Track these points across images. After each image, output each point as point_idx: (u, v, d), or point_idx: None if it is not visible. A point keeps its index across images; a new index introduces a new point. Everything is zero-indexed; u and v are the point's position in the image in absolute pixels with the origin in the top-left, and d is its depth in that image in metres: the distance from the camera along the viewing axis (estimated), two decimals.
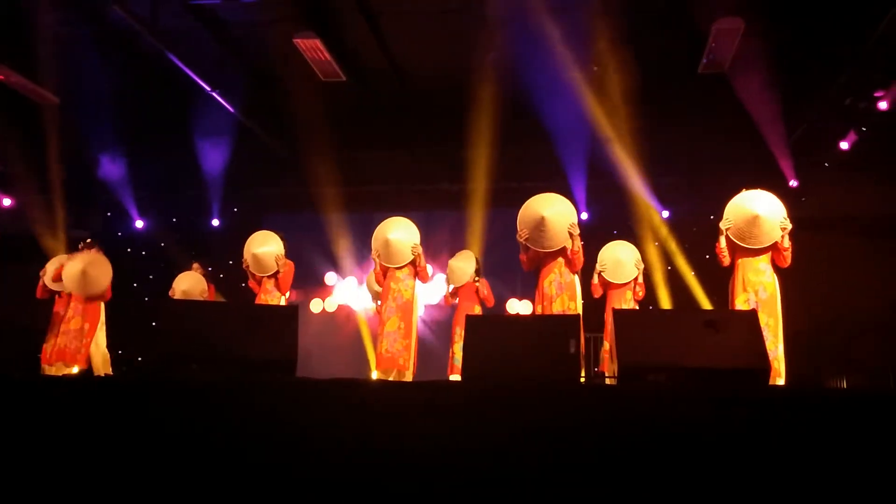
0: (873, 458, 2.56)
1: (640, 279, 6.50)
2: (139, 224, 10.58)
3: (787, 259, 5.13)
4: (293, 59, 7.65)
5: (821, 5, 6.68)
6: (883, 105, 7.02)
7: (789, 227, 5.11)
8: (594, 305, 6.57)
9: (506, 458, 2.64)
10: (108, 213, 10.57)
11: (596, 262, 6.59)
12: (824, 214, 8.21)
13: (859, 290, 7.76)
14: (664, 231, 8.99)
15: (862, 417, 2.77)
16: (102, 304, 7.09)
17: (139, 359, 7.59)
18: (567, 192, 8.85)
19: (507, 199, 8.86)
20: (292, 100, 8.89)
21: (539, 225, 5.31)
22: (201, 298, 7.56)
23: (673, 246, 8.96)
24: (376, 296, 7.32)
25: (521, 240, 5.43)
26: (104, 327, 7.08)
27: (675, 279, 8.97)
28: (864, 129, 7.52)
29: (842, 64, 7.37)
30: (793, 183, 8.73)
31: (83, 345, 6.85)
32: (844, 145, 8.03)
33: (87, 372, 6.88)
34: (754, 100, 7.97)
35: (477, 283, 7.21)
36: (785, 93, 7.96)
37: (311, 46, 7.33)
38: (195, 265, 8.08)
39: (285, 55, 7.64)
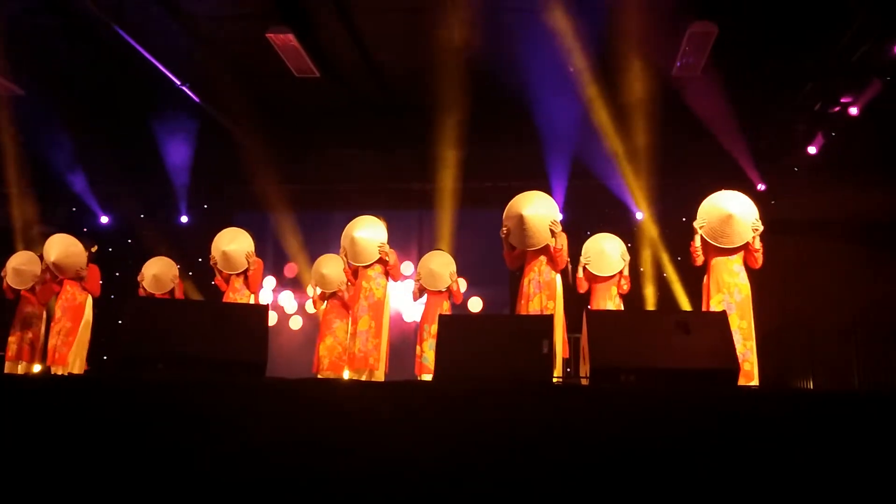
0: (839, 456, 2.59)
1: (626, 272, 6.34)
2: (104, 220, 10.39)
3: (758, 260, 5.19)
4: (266, 54, 7.56)
5: (790, 12, 6.78)
6: (853, 110, 7.13)
7: (761, 228, 5.16)
8: (577, 306, 6.53)
9: (477, 458, 2.62)
10: (74, 209, 10.35)
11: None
12: (792, 217, 8.33)
13: (825, 292, 7.89)
14: (652, 231, 9.03)
15: (828, 417, 2.81)
16: (89, 302, 6.93)
17: (104, 358, 7.46)
18: (546, 192, 8.95)
19: (484, 198, 8.89)
20: (265, 95, 8.82)
21: (520, 223, 5.30)
22: (172, 285, 7.32)
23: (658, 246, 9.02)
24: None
25: (504, 237, 5.42)
26: (89, 326, 6.89)
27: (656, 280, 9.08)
28: (833, 133, 7.64)
29: (811, 70, 7.49)
30: (760, 187, 8.85)
31: (66, 343, 6.67)
32: (812, 150, 8.15)
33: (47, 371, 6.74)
34: (723, 104, 8.05)
35: (450, 282, 7.14)
36: (755, 97, 8.08)
37: (285, 41, 7.25)
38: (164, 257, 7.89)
39: (258, 50, 7.54)
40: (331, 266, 7.13)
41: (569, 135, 8.58)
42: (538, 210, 5.33)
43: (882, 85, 6.71)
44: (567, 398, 3.09)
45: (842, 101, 7.38)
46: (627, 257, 6.38)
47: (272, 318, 10.27)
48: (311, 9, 7.16)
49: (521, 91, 8.03)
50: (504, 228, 5.41)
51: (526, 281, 5.40)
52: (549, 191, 8.90)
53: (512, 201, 5.44)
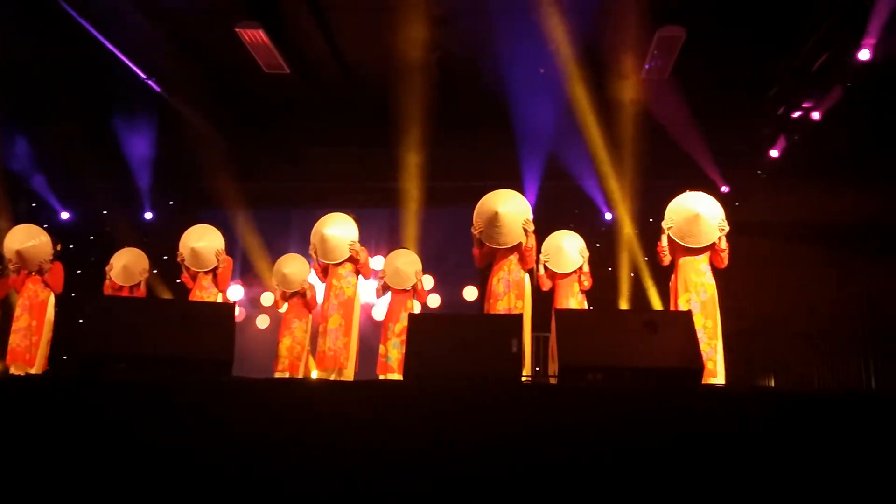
0: (801, 453, 2.65)
1: (586, 268, 6.37)
2: (65, 215, 10.17)
3: (723, 260, 5.27)
4: (235, 50, 7.47)
5: (754, 18, 6.90)
6: (815, 115, 7.28)
7: (727, 228, 5.24)
8: (539, 305, 6.57)
9: (446, 457, 2.62)
10: (34, 204, 10.12)
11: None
12: (755, 220, 8.47)
13: (787, 293, 8.04)
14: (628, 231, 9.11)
15: (789, 416, 2.86)
16: (52, 300, 6.74)
17: (64, 357, 7.27)
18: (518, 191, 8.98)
19: (455, 197, 8.88)
20: (233, 91, 8.72)
21: (493, 220, 5.29)
22: (141, 278, 7.09)
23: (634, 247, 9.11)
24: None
25: (476, 234, 5.40)
26: (51, 325, 6.67)
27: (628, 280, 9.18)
28: (796, 138, 7.79)
29: (775, 75, 7.64)
30: (724, 189, 9.00)
31: (33, 343, 6.47)
32: (774, 153, 8.30)
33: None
34: (689, 107, 8.17)
35: (415, 280, 7.10)
36: (720, 101, 8.20)
37: (254, 36, 7.17)
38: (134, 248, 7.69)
39: (227, 44, 7.45)
40: (293, 265, 7.07)
41: (542, 135, 8.63)
42: (512, 208, 5.34)
43: (843, 91, 6.86)
44: (535, 397, 3.11)
45: (804, 106, 7.53)
46: (586, 253, 6.41)
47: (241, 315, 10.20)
48: (282, 4, 7.09)
49: (495, 91, 8.06)
50: (476, 225, 5.39)
51: (495, 280, 5.38)
52: (521, 191, 8.96)
53: (484, 198, 5.42)
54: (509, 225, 5.29)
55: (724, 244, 5.24)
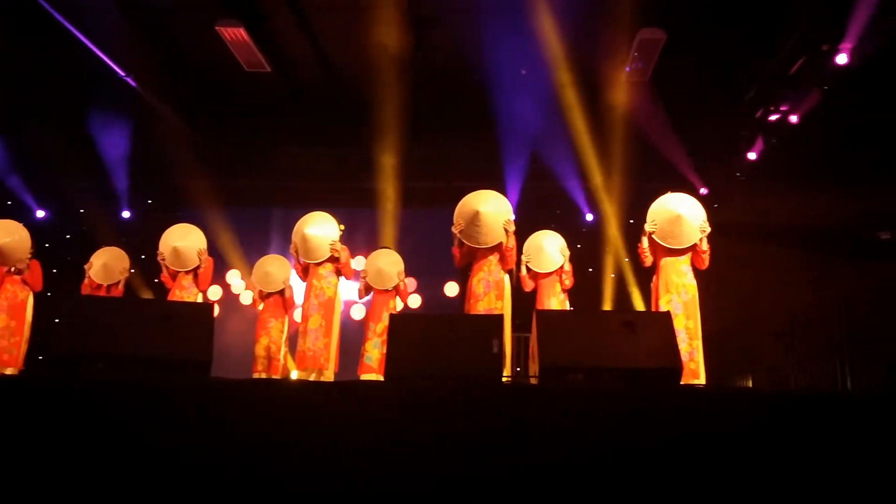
0: (779, 452, 2.67)
1: (567, 267, 6.39)
2: (40, 214, 10.04)
3: (705, 261, 5.31)
4: (216, 48, 7.41)
5: (734, 21, 6.96)
6: (793, 119, 7.36)
7: (708, 229, 5.28)
8: (525, 306, 6.58)
9: (428, 457, 2.62)
10: (9, 202, 9.96)
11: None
12: (733, 221, 8.55)
13: (764, 294, 8.12)
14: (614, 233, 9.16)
15: (766, 415, 2.89)
16: (31, 300, 6.62)
17: (40, 358, 7.18)
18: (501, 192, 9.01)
19: (437, 197, 8.88)
20: (213, 89, 8.65)
21: (474, 219, 5.30)
22: (121, 277, 6.96)
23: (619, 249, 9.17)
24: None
25: (457, 233, 5.40)
26: (29, 325, 6.53)
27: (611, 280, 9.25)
28: (773, 140, 7.87)
29: (754, 78, 7.71)
30: (703, 191, 9.07)
31: (12, 344, 6.31)
32: (752, 156, 8.37)
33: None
34: (669, 109, 8.23)
35: (397, 281, 7.07)
36: (699, 104, 8.27)
37: (235, 35, 7.12)
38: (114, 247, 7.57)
39: (207, 42, 7.40)
40: (275, 265, 7.03)
41: (525, 136, 8.65)
42: (494, 208, 5.35)
43: (821, 95, 6.94)
44: (516, 397, 3.12)
45: (782, 109, 7.61)
46: (567, 253, 6.43)
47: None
48: (262, 3, 7.05)
49: (478, 91, 8.07)
50: (456, 224, 5.39)
51: (475, 280, 5.39)
52: (503, 191, 8.98)
53: (466, 198, 5.44)
54: (490, 224, 5.30)
55: (705, 245, 5.28)
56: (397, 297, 6.84)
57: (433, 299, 9.79)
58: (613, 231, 9.15)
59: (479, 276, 5.37)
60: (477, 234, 5.33)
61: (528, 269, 6.44)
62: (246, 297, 10.02)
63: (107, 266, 6.95)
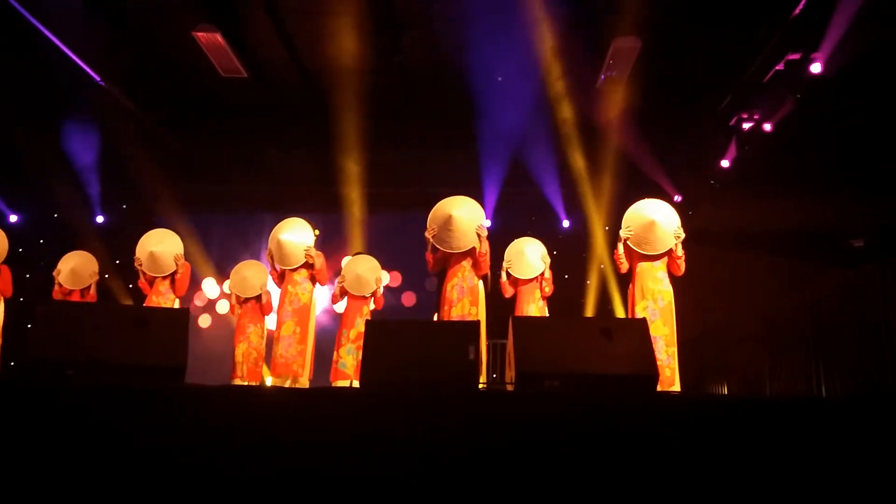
0: (750, 458, 2.70)
1: (548, 274, 6.37)
2: (13, 218, 9.89)
3: (680, 267, 5.34)
4: (192, 53, 7.37)
5: (707, 30, 7.05)
6: (767, 127, 7.46)
7: (683, 235, 5.33)
8: (499, 311, 6.58)
9: (403, 464, 2.61)
10: None
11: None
12: (708, 228, 8.63)
13: (739, 301, 8.20)
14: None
15: (741, 421, 2.92)
16: (0, 305, 6.49)
17: (11, 364, 7.05)
18: (479, 199, 9.04)
19: (415, 202, 8.88)
20: (190, 94, 8.59)
21: (447, 224, 5.31)
22: (91, 281, 6.82)
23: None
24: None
25: (430, 237, 5.40)
26: None
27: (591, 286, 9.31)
28: (747, 148, 7.97)
29: (728, 86, 7.81)
30: (677, 198, 9.17)
31: None
32: (726, 163, 8.47)
33: None
34: (643, 117, 8.31)
35: (375, 287, 7.03)
36: (673, 111, 8.36)
37: (211, 40, 7.08)
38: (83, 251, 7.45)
39: (183, 47, 7.35)
40: (252, 270, 6.99)
41: (503, 141, 8.69)
42: (466, 213, 5.37)
43: (794, 103, 7.04)
44: (492, 403, 3.12)
45: (755, 117, 7.71)
46: (548, 260, 6.43)
47: (207, 321, 10.00)
48: (239, 8, 7.02)
49: (457, 97, 8.10)
50: (429, 229, 5.40)
51: (449, 286, 5.38)
52: (481, 196, 9.02)
53: (439, 204, 5.46)
54: (462, 229, 5.32)
55: (680, 251, 5.33)
56: (371, 302, 6.82)
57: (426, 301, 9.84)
58: (598, 238, 9.21)
59: (452, 283, 5.36)
60: (450, 238, 5.35)
61: (509, 275, 6.44)
62: (222, 307, 9.93)
63: (75, 271, 6.82)
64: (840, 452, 2.72)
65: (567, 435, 2.78)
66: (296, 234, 6.07)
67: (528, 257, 6.41)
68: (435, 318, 7.24)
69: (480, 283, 5.42)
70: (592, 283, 9.41)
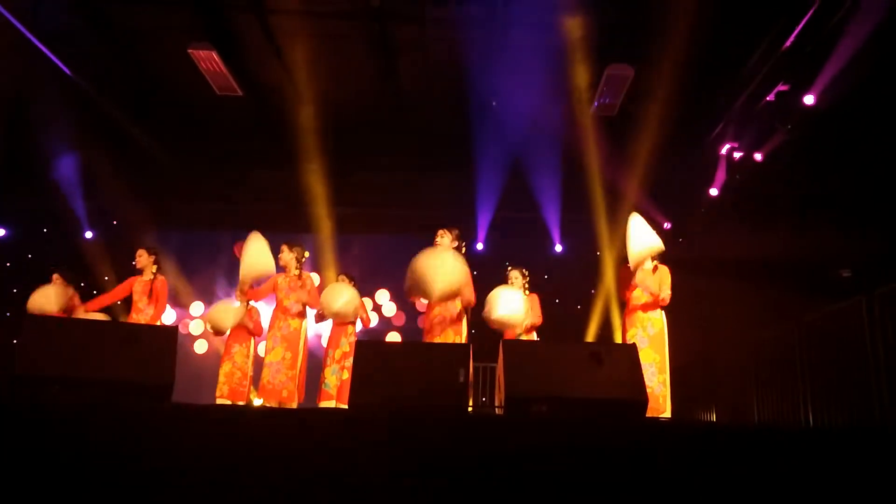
0: (739, 486, 2.69)
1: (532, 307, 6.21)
2: (0, 232, 9.84)
3: (655, 296, 5.28)
4: (187, 70, 7.39)
5: (701, 58, 7.14)
6: (757, 156, 7.53)
7: (649, 264, 5.32)
8: (487, 334, 6.55)
9: (391, 487, 2.59)
10: None
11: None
12: (696, 256, 8.68)
13: (726, 329, 8.23)
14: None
15: (730, 449, 2.92)
16: None
17: None
18: (472, 222, 9.07)
19: (407, 225, 8.90)
20: (184, 111, 8.60)
21: (429, 295, 4.99)
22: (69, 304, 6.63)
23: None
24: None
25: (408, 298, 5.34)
26: None
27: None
28: (738, 176, 8.04)
29: (719, 114, 7.90)
30: (666, 225, 9.22)
31: None
32: (714, 192, 8.53)
33: None
34: (633, 143, 8.38)
35: (355, 316, 6.95)
36: (663, 138, 8.44)
37: (207, 58, 7.11)
38: (55, 276, 7.38)
39: (179, 65, 7.38)
40: (220, 313, 6.81)
41: (497, 166, 8.73)
42: (447, 283, 4.97)
43: (786, 133, 7.12)
44: (481, 427, 3.10)
45: (746, 146, 7.79)
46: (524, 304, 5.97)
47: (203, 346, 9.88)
48: (235, 27, 7.07)
49: (450, 119, 8.16)
50: (407, 292, 5.11)
51: (432, 315, 5.32)
52: (474, 221, 9.06)
53: (419, 272, 4.96)
54: (450, 293, 5.03)
55: (650, 281, 5.26)
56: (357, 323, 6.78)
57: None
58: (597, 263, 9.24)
59: (435, 312, 5.28)
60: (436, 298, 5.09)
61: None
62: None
63: (44, 307, 6.53)
64: (827, 482, 2.72)
65: (555, 460, 2.77)
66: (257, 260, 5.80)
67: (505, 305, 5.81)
68: None
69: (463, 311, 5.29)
70: (597, 310, 9.38)
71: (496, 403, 6.05)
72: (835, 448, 2.91)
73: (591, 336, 9.12)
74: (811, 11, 5.93)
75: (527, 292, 6.23)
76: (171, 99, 8.52)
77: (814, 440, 3.04)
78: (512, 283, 6.17)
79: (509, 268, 6.40)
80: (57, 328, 3.91)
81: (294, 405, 5.84)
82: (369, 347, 3.95)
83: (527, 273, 6.35)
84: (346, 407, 6.34)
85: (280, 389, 5.73)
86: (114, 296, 6.45)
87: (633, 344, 4.82)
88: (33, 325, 3.77)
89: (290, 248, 6.22)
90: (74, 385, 3.42)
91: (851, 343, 5.25)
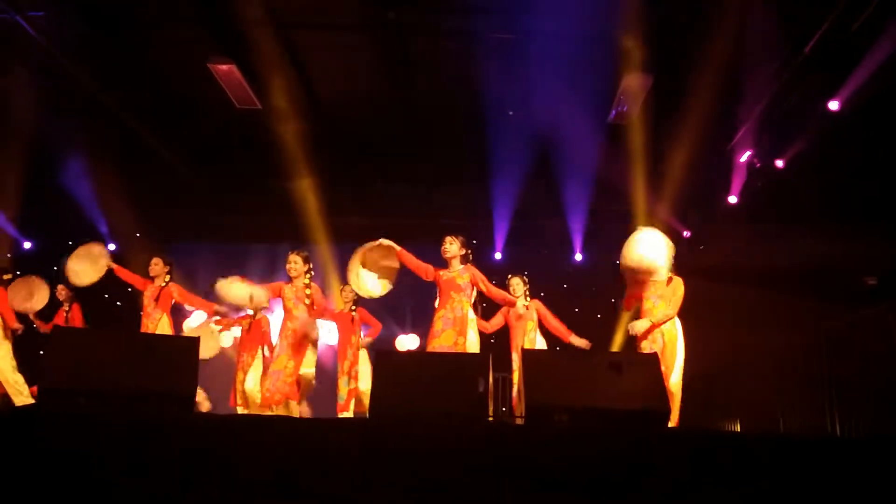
0: (764, 497, 2.66)
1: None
2: (27, 245, 9.99)
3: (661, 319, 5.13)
4: (207, 84, 7.47)
5: (719, 64, 7.09)
6: (779, 163, 7.47)
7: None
8: (498, 343, 6.54)
9: (412, 496, 2.59)
10: None
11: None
12: (717, 264, 8.59)
13: (749, 337, 8.12)
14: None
15: (755, 459, 2.88)
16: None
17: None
18: (489, 231, 9.05)
19: (423, 235, 8.90)
20: (204, 125, 8.69)
21: None
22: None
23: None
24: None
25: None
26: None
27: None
28: (759, 184, 7.97)
29: (740, 121, 7.84)
30: (685, 233, 9.15)
31: None
32: (733, 199, 8.45)
33: None
34: (652, 150, 8.34)
35: (353, 314, 6.98)
36: (683, 145, 8.38)
37: (227, 72, 7.19)
38: (60, 287, 7.48)
39: (199, 79, 7.46)
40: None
41: (514, 174, 8.72)
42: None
43: (808, 140, 7.05)
44: (502, 437, 3.09)
45: (768, 152, 7.72)
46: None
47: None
48: (253, 40, 7.14)
49: (470, 130, 8.17)
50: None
51: (436, 317, 5.29)
52: (491, 228, 9.06)
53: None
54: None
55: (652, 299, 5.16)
56: (359, 330, 6.93)
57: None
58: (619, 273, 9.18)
59: (440, 314, 5.26)
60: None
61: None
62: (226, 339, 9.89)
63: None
64: (856, 493, 2.68)
65: (577, 470, 2.75)
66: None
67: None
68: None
69: (470, 312, 5.24)
70: (623, 319, 9.29)
71: (516, 413, 6.05)
72: (863, 458, 2.87)
73: (615, 346, 9.04)
74: (831, 18, 5.88)
75: (528, 299, 6.28)
76: (191, 112, 8.61)
77: (842, 450, 3.00)
78: (513, 290, 6.30)
79: (509, 276, 6.50)
80: (82, 340, 3.96)
81: (294, 407, 5.72)
82: (389, 358, 3.96)
83: (527, 280, 6.43)
84: (350, 415, 6.45)
85: (275, 393, 5.50)
86: (135, 280, 6.60)
87: (654, 353, 4.76)
88: (60, 338, 3.83)
89: (299, 256, 6.06)
90: (99, 396, 3.46)
91: (878, 352, 5.17)
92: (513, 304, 5.62)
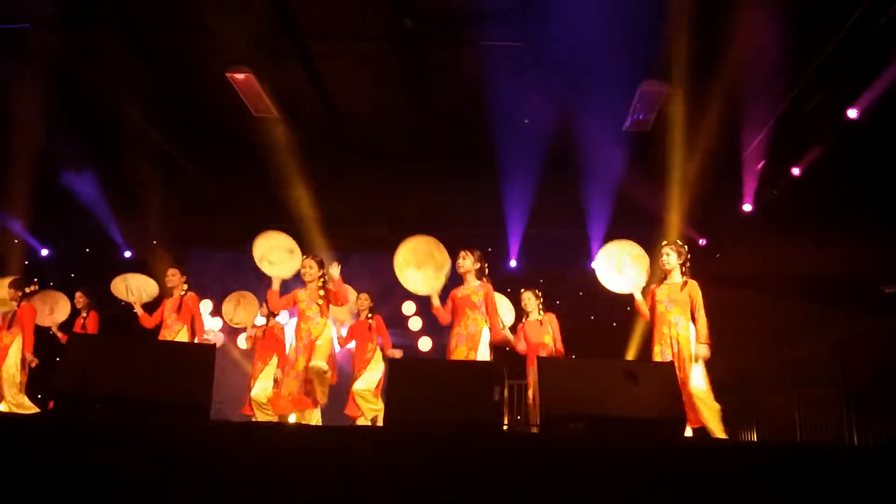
0: None
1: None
2: (45, 252, 10.09)
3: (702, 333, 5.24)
4: (225, 93, 7.53)
5: (734, 71, 7.06)
6: (795, 171, 7.43)
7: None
8: (513, 351, 6.53)
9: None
10: (15, 241, 10.00)
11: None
12: (733, 272, 8.53)
13: (766, 345, 8.06)
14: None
15: (773, 468, 2.86)
16: (17, 342, 6.73)
17: (38, 397, 7.15)
18: (503, 240, 9.04)
19: (444, 242, 8.91)
20: (223, 133, 8.76)
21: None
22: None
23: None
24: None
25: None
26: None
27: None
28: (775, 191, 7.92)
29: (757, 128, 7.80)
30: (701, 241, 9.08)
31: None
32: (748, 207, 8.40)
33: None
34: (669, 158, 8.30)
35: (370, 321, 7.04)
36: (700, 153, 8.34)
37: (245, 81, 7.24)
38: (78, 294, 7.57)
39: (217, 88, 7.53)
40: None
41: (527, 182, 8.72)
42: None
43: (825, 147, 7.00)
44: (518, 445, 3.09)
45: (784, 160, 7.67)
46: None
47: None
48: (271, 50, 7.20)
49: (483, 138, 8.16)
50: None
51: (452, 335, 5.37)
52: (505, 237, 9.05)
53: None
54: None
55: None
56: (376, 337, 6.99)
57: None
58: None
59: (455, 331, 5.34)
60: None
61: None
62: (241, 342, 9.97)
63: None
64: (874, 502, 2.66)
65: (593, 478, 2.74)
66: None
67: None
68: None
69: (484, 329, 5.30)
70: (639, 328, 9.24)
71: (531, 421, 6.05)
72: (881, 468, 2.84)
73: (631, 354, 8.98)
74: (849, 23, 5.84)
75: (541, 313, 6.40)
76: (209, 120, 8.67)
77: (860, 460, 2.97)
78: (525, 305, 6.43)
79: (522, 290, 6.59)
80: (99, 347, 3.99)
81: (312, 414, 5.73)
82: (403, 365, 3.96)
83: (540, 294, 6.51)
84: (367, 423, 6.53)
85: (289, 396, 5.52)
86: (155, 320, 6.73)
87: (670, 362, 4.76)
88: (77, 345, 3.86)
89: (314, 260, 5.96)
90: (115, 403, 3.49)
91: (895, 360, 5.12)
92: (512, 348, 5.70)
